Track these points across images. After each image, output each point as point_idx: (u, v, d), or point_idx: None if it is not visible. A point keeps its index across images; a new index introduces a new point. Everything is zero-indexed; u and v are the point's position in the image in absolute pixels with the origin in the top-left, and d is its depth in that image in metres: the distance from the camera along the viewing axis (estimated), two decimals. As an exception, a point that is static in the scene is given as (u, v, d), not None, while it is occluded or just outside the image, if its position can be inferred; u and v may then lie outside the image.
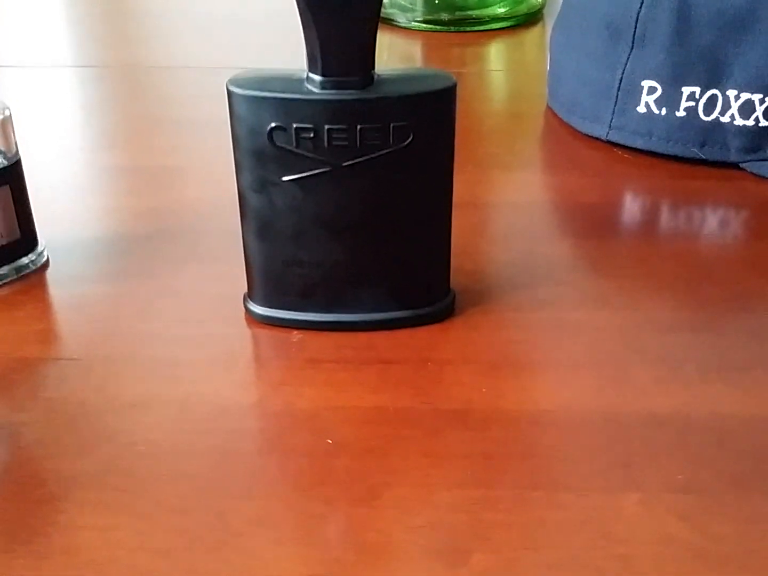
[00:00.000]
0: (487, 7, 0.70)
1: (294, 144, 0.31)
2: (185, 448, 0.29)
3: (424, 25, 0.69)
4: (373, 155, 0.31)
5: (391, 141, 0.31)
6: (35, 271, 0.38)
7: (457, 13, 0.69)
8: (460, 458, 0.28)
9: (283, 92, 0.30)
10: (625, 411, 0.30)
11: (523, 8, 0.71)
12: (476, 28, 0.69)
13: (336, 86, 0.30)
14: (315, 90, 0.30)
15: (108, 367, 0.33)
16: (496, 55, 0.69)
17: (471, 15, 0.69)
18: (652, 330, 0.34)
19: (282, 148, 0.31)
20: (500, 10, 0.70)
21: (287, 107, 0.30)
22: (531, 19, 0.71)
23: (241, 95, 0.31)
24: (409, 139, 0.31)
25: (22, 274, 0.38)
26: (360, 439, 0.29)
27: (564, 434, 0.29)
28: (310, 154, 0.31)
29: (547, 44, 0.69)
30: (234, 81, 0.31)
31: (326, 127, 0.30)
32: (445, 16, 0.69)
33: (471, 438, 0.29)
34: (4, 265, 0.37)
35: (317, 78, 0.30)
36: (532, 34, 0.70)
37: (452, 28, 0.69)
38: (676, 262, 0.39)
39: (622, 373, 0.32)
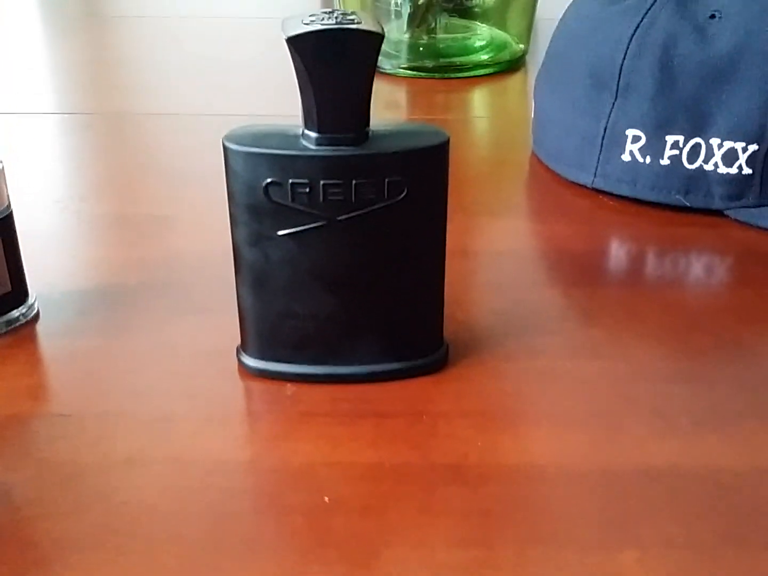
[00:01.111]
0: (471, 54, 0.71)
1: (290, 199, 0.31)
2: (180, 508, 0.29)
3: (409, 72, 0.70)
4: (367, 209, 0.31)
5: (385, 195, 0.31)
6: (25, 324, 0.38)
7: (441, 59, 0.70)
8: (458, 515, 0.28)
9: (280, 148, 0.31)
10: (620, 465, 0.30)
11: (505, 55, 0.72)
12: (460, 75, 0.70)
13: (332, 142, 0.31)
14: (311, 146, 0.31)
15: (100, 423, 0.32)
16: (479, 101, 0.70)
17: (455, 62, 0.70)
18: (645, 381, 0.35)
19: (277, 202, 0.31)
20: (483, 57, 0.71)
21: (283, 163, 0.31)
22: (513, 65, 0.72)
23: (238, 151, 0.31)
24: (404, 194, 0.31)
25: (12, 327, 0.38)
26: (357, 497, 0.29)
27: (561, 490, 0.29)
28: (305, 209, 0.31)
29: (529, 90, 0.70)
30: (230, 137, 0.31)
31: (322, 182, 0.31)
32: (429, 63, 0.70)
33: (468, 494, 0.29)
34: (-7, 318, 0.37)
35: (313, 134, 0.31)
36: (514, 81, 0.71)
37: (436, 75, 0.70)
38: (665, 311, 0.39)
39: (616, 425, 0.32)
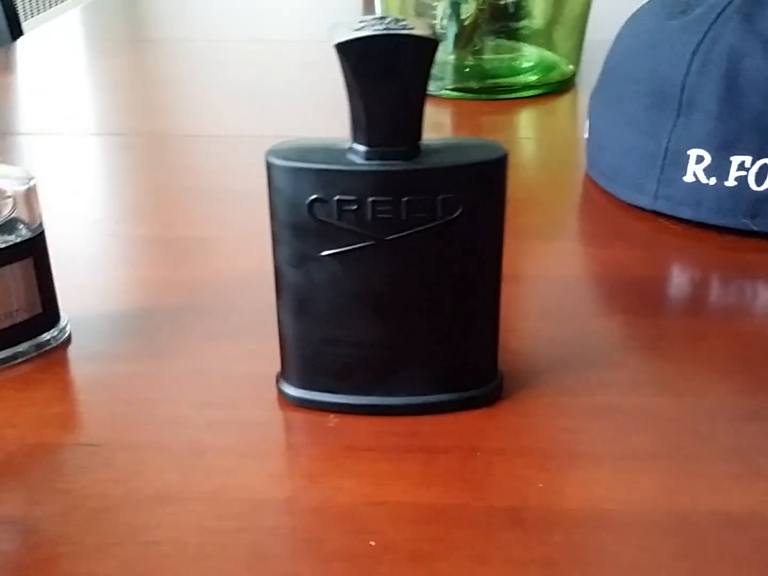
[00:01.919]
0: (518, 75, 0.69)
1: (335, 217, 0.29)
2: (213, 550, 0.26)
3: (454, 93, 0.68)
4: (419, 229, 0.29)
5: (438, 214, 0.29)
6: (56, 348, 0.36)
7: (487, 81, 0.68)
8: (518, 565, 0.25)
9: (325, 163, 0.29)
10: (696, 510, 0.28)
11: (554, 76, 0.70)
12: (506, 96, 0.68)
13: (381, 157, 0.28)
14: (359, 161, 0.29)
15: (131, 456, 0.30)
16: (527, 122, 0.67)
17: (502, 83, 0.68)
18: (719, 418, 0.32)
19: (322, 221, 0.29)
20: (531, 78, 0.69)
21: (329, 179, 0.29)
22: (562, 87, 0.70)
23: (281, 167, 0.29)
24: (458, 212, 0.29)
25: (42, 350, 0.36)
26: (405, 541, 0.26)
27: (630, 537, 0.27)
28: (352, 228, 0.29)
29: (579, 112, 0.68)
30: (273, 152, 0.29)
31: (370, 199, 0.29)
32: (475, 84, 0.68)
33: (529, 541, 0.26)
34: (23, 341, 0.35)
35: (362, 148, 0.29)
36: (563, 102, 0.69)
37: (483, 96, 0.68)
38: (735, 342, 0.36)
39: (689, 466, 0.29)
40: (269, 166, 0.29)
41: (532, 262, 0.43)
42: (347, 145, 0.29)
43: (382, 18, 0.28)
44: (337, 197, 0.29)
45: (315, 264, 0.30)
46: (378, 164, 0.29)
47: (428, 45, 0.27)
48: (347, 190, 0.29)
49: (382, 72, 0.27)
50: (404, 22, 0.28)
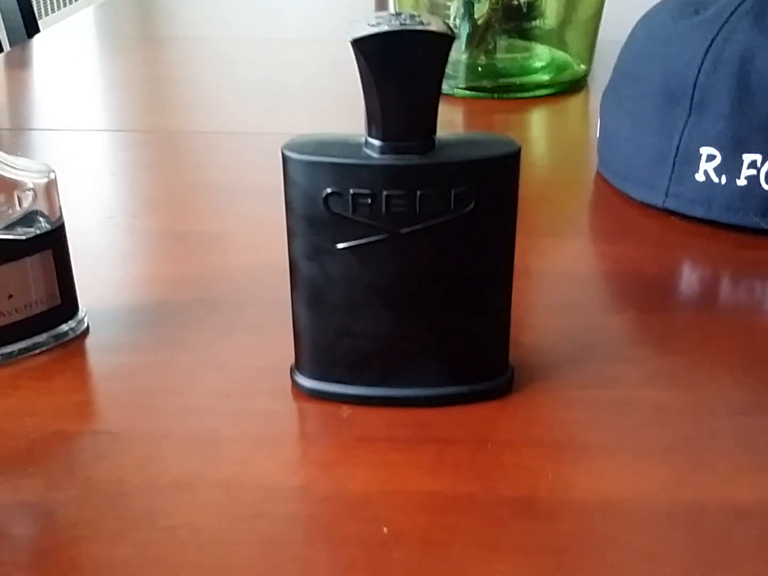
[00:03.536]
0: (530, 74, 0.70)
1: (350, 210, 0.29)
2: (229, 536, 0.27)
3: (467, 92, 0.68)
4: (432, 222, 0.30)
5: (452, 207, 0.29)
6: (74, 339, 0.37)
7: (500, 80, 0.69)
8: (528, 553, 0.26)
9: (341, 157, 0.29)
10: (704, 502, 0.28)
11: (566, 76, 0.70)
12: (519, 95, 0.69)
13: (396, 151, 0.29)
14: (374, 155, 0.29)
15: (148, 443, 0.31)
16: (539, 121, 0.68)
17: (514, 82, 0.69)
18: (727, 412, 0.32)
19: (338, 214, 0.30)
20: (543, 78, 0.70)
21: (345, 172, 0.29)
22: (574, 86, 0.70)
23: (297, 160, 0.29)
24: (471, 206, 0.29)
25: (60, 341, 0.37)
26: (418, 529, 0.27)
27: (640, 528, 0.27)
28: (366, 221, 0.30)
29: (590, 112, 0.68)
30: (289, 146, 0.30)
31: (385, 192, 0.29)
32: (487, 83, 0.68)
33: (539, 530, 0.27)
34: (42, 332, 0.36)
35: (377, 142, 0.29)
36: (575, 101, 0.69)
37: (495, 95, 0.68)
38: (744, 338, 0.37)
39: (698, 459, 0.30)
40: (285, 160, 0.30)
41: (543, 258, 0.44)
42: (362, 139, 0.30)
43: (398, 14, 0.29)
44: (352, 191, 0.29)
45: (330, 257, 0.30)
46: (393, 158, 0.29)
47: (444, 40, 0.28)
48: (362, 183, 0.29)
49: (398, 67, 0.28)
50: (420, 18, 0.28)
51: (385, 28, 0.27)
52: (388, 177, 0.29)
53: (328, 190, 0.29)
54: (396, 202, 0.29)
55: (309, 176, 0.29)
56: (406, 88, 0.28)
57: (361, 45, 0.27)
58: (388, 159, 0.29)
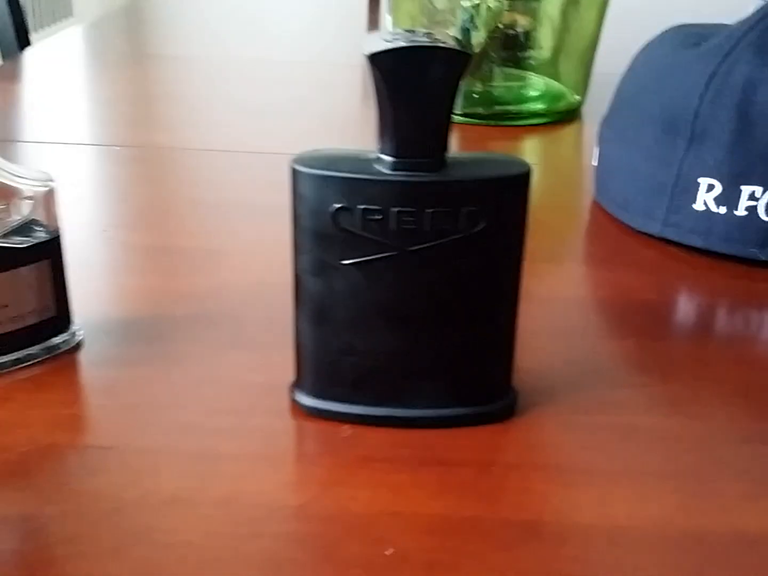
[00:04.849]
0: (525, 102, 0.70)
1: (359, 226, 0.29)
2: (228, 554, 0.26)
3: (462, 118, 0.69)
4: (441, 240, 0.29)
5: (461, 226, 0.29)
6: (68, 352, 0.36)
7: (495, 107, 0.69)
8: (535, 578, 0.25)
9: (352, 172, 0.29)
10: (710, 529, 0.28)
11: (561, 105, 0.70)
12: (513, 123, 0.69)
13: (408, 167, 0.29)
14: (385, 170, 0.29)
15: (143, 459, 0.30)
16: (533, 149, 0.68)
17: (509, 110, 0.69)
18: (729, 439, 0.32)
19: (346, 230, 0.29)
20: (538, 106, 0.70)
21: (355, 187, 0.29)
22: (568, 116, 0.71)
23: (307, 174, 0.29)
24: (481, 226, 0.29)
25: (53, 353, 0.36)
26: (422, 551, 0.26)
27: (647, 554, 0.26)
28: (375, 237, 0.29)
29: (584, 141, 0.68)
30: (299, 160, 0.30)
31: (394, 209, 0.29)
32: (483, 110, 0.69)
33: (545, 555, 0.26)
34: (36, 344, 0.35)
35: (388, 159, 0.29)
36: (569, 131, 0.70)
37: (491, 122, 0.69)
38: (743, 368, 0.37)
39: (703, 486, 0.29)
40: (294, 174, 0.30)
41: (542, 284, 0.44)
42: (373, 155, 0.29)
43: (412, 31, 0.29)
44: (361, 206, 0.29)
45: (336, 273, 0.30)
46: (404, 175, 0.29)
47: (460, 58, 0.28)
48: (372, 199, 0.29)
49: (413, 84, 0.28)
50: (435, 36, 0.28)
51: (401, 43, 0.27)
52: (399, 193, 0.29)
53: (337, 205, 0.29)
54: (405, 219, 0.29)
55: (318, 190, 0.29)
56: (420, 105, 0.28)
57: (377, 60, 0.27)
58: (400, 175, 0.29)
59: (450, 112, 0.29)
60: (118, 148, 0.61)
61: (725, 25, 0.47)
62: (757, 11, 0.45)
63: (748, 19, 0.45)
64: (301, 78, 0.79)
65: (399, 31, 0.28)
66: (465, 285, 0.30)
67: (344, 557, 0.26)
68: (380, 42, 0.28)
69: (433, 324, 0.31)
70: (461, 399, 0.32)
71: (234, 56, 0.86)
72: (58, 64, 0.83)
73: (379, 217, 0.29)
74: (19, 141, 0.63)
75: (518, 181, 0.30)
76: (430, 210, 0.29)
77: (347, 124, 0.67)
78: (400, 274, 0.30)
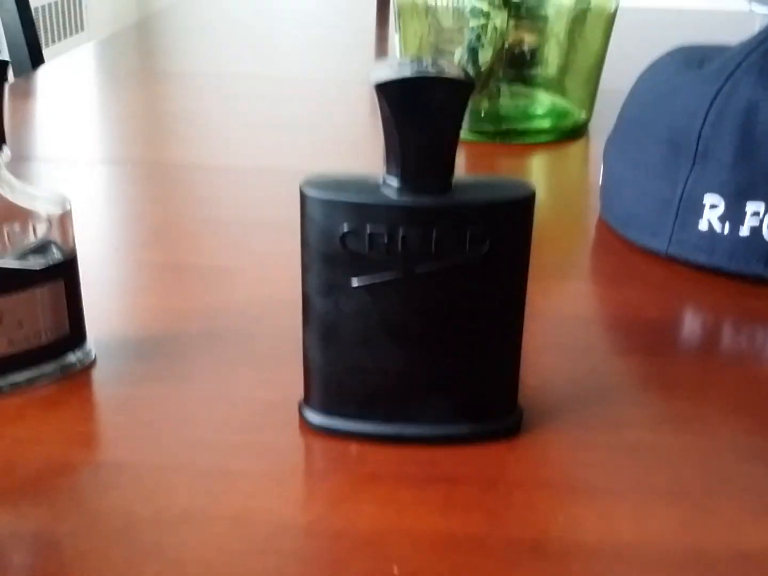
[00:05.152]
0: (532, 120, 0.71)
1: (366, 248, 0.30)
2: (238, 571, 0.27)
3: (469, 136, 0.69)
4: (447, 262, 0.30)
5: (467, 249, 0.30)
6: (81, 370, 0.37)
7: (501, 125, 0.70)
8: (540, 595, 0.26)
9: (359, 196, 0.30)
10: (713, 547, 0.28)
11: (567, 123, 0.71)
12: (520, 141, 0.70)
13: (414, 191, 0.29)
14: (392, 194, 0.30)
15: (155, 476, 0.31)
16: (540, 167, 0.69)
17: (516, 127, 0.70)
18: (734, 458, 0.32)
19: (353, 252, 0.30)
20: (545, 124, 0.71)
21: (363, 211, 0.29)
22: (575, 133, 0.71)
23: (315, 198, 0.30)
24: (486, 248, 0.30)
25: (67, 372, 0.36)
26: (428, 569, 0.27)
27: (651, 571, 0.27)
28: (382, 260, 0.30)
29: (591, 158, 0.69)
30: (308, 183, 0.30)
31: (402, 232, 0.29)
32: (490, 128, 0.70)
33: (550, 572, 0.27)
34: (50, 362, 0.36)
35: (395, 182, 0.29)
36: (576, 148, 0.70)
37: (497, 140, 0.69)
38: (748, 386, 0.37)
39: (706, 504, 0.30)
40: (303, 197, 0.30)
41: (548, 301, 0.44)
42: (380, 179, 0.30)
43: (419, 59, 0.29)
44: (369, 229, 0.30)
45: (344, 293, 0.31)
46: (410, 198, 0.29)
47: (464, 87, 0.28)
48: (379, 223, 0.30)
49: (419, 112, 0.28)
50: (441, 64, 0.29)
51: (407, 73, 0.28)
52: (405, 216, 0.29)
53: (345, 228, 0.30)
54: (412, 241, 0.30)
55: (326, 214, 0.30)
56: (425, 131, 0.29)
57: (383, 89, 0.28)
58: (406, 199, 0.29)
59: (456, 137, 0.29)
60: (130, 166, 0.62)
61: (728, 47, 0.48)
62: (760, 33, 0.45)
63: (750, 40, 0.46)
64: (311, 95, 0.80)
65: (405, 59, 0.29)
66: (470, 305, 0.31)
67: (351, 574, 0.27)
68: (388, 70, 0.28)
69: (439, 343, 0.31)
70: (467, 417, 0.32)
71: (245, 73, 0.88)
72: (69, 81, 0.85)
73: (387, 240, 0.30)
74: (31, 159, 0.64)
75: (523, 204, 0.30)
76: (437, 233, 0.30)
77: (357, 140, 0.67)
78: (407, 295, 0.31)
